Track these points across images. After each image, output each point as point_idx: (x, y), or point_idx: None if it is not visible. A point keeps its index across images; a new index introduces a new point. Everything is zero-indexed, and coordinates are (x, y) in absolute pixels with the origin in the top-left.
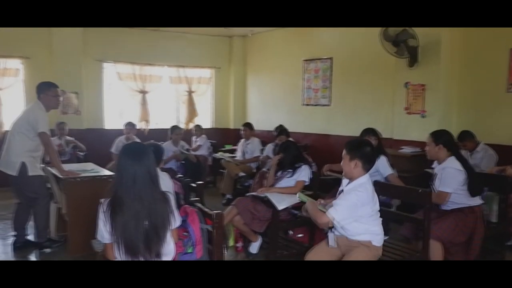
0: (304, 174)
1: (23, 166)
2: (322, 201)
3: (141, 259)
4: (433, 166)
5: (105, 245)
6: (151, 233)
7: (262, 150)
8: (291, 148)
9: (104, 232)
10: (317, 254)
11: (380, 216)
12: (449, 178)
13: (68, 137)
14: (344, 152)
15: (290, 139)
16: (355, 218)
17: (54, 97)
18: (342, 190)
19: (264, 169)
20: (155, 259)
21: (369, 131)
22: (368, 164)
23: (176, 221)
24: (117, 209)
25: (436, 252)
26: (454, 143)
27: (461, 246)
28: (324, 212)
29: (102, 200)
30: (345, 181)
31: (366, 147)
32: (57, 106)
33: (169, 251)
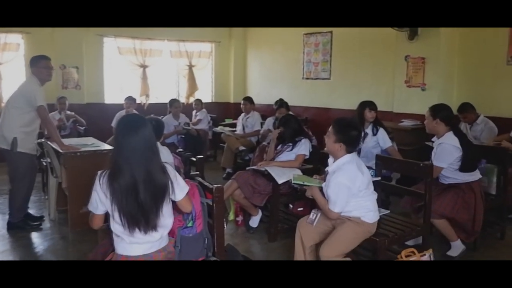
0: (304, 147)
1: (15, 141)
2: (318, 177)
3: (139, 230)
4: (432, 139)
5: (94, 215)
6: (148, 204)
7: (262, 124)
8: (291, 122)
9: (98, 203)
10: (308, 227)
11: (382, 190)
12: (444, 154)
13: (68, 112)
14: (331, 130)
15: (290, 112)
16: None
17: (45, 69)
18: (328, 172)
19: (264, 143)
20: (152, 231)
21: (367, 104)
22: (352, 147)
23: (181, 190)
24: (115, 181)
25: (443, 228)
26: (452, 117)
27: (466, 225)
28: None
29: (99, 171)
30: (330, 160)
31: (353, 131)
32: (49, 77)
33: (165, 224)
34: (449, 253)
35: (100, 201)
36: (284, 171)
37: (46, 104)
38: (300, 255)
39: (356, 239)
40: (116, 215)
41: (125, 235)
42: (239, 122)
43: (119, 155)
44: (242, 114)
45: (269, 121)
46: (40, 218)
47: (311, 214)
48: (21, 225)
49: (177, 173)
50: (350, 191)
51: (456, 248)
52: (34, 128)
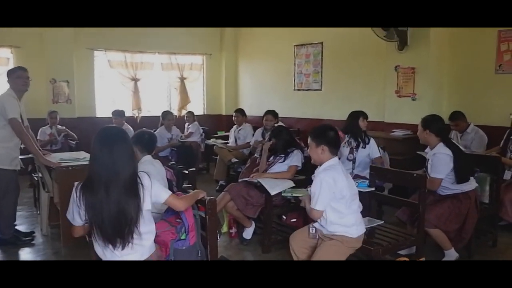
0: (296, 159)
1: None
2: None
3: (114, 245)
4: (426, 150)
5: (72, 225)
6: (120, 218)
7: (254, 136)
8: (283, 133)
9: (75, 214)
10: (298, 239)
11: (376, 200)
12: (440, 165)
13: (59, 126)
14: (309, 140)
15: (281, 123)
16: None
17: (19, 79)
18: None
19: (256, 155)
20: (131, 242)
21: (360, 114)
22: (334, 147)
23: (161, 191)
24: (87, 193)
25: (438, 237)
26: (443, 129)
27: (454, 234)
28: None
29: (76, 183)
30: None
31: (330, 131)
32: (25, 87)
33: (148, 231)
34: (443, 260)
35: (77, 212)
36: (276, 182)
37: (19, 116)
38: None
39: (341, 257)
40: (91, 226)
41: (108, 253)
42: (231, 134)
43: (92, 168)
44: (234, 126)
45: (258, 132)
46: (31, 234)
47: (310, 229)
48: (12, 241)
49: (154, 180)
50: (332, 190)
51: (450, 256)
52: (15, 143)
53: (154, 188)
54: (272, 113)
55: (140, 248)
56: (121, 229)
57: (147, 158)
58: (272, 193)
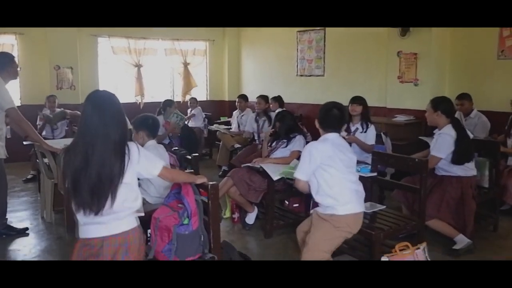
0: (298, 144)
1: None
2: None
3: (86, 210)
4: (434, 131)
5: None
6: (97, 185)
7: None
8: (287, 118)
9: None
10: (303, 226)
11: (378, 185)
12: (444, 144)
13: (58, 110)
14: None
15: (283, 109)
16: (319, 176)
17: (13, 68)
18: None
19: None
20: (108, 212)
21: (351, 99)
22: (327, 126)
23: (153, 166)
24: (68, 155)
25: (439, 227)
26: (453, 110)
27: (454, 221)
28: None
29: (63, 149)
30: None
31: (330, 111)
32: (17, 76)
33: (124, 208)
34: (454, 247)
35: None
36: (278, 167)
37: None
38: None
39: (332, 241)
40: (69, 190)
41: (80, 216)
42: (234, 120)
43: (80, 130)
44: (237, 112)
45: (251, 119)
46: (24, 230)
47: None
48: (5, 232)
49: (143, 154)
50: (314, 160)
51: (460, 242)
52: (2, 131)
53: (143, 162)
54: (263, 98)
55: (114, 221)
56: (99, 192)
57: (152, 142)
58: (275, 178)
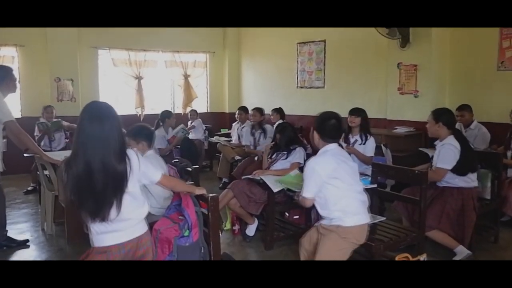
0: (299, 156)
1: None
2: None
3: (94, 219)
4: (435, 143)
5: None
6: (103, 194)
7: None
8: (287, 130)
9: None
10: (306, 238)
11: (378, 196)
12: (448, 155)
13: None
14: (313, 129)
15: (283, 121)
16: (326, 191)
17: (12, 81)
18: None
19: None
20: (118, 220)
21: (350, 111)
22: (326, 136)
23: (153, 173)
24: (69, 167)
25: (439, 238)
26: (454, 121)
27: (454, 232)
28: None
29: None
30: None
31: (328, 120)
32: (15, 89)
33: (133, 216)
34: (454, 258)
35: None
36: (278, 179)
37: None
38: None
39: (341, 252)
40: (76, 202)
41: (93, 226)
42: (234, 131)
43: (77, 141)
44: (235, 124)
45: (247, 132)
46: (24, 242)
47: (312, 214)
48: (5, 244)
49: (143, 160)
50: (319, 176)
51: (460, 254)
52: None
53: (144, 169)
54: (258, 110)
55: (128, 228)
56: (103, 201)
57: (151, 152)
58: (275, 190)
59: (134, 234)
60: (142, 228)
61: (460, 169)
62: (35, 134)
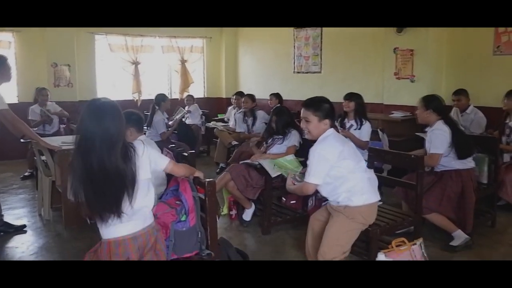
0: (294, 139)
1: None
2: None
3: (103, 216)
4: (425, 129)
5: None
6: (106, 192)
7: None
8: (284, 114)
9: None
10: (316, 217)
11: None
12: (438, 140)
13: (49, 103)
14: (310, 114)
15: (280, 105)
16: (334, 174)
17: (8, 70)
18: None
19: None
20: (133, 212)
21: (348, 95)
22: (325, 117)
23: (160, 161)
24: (72, 165)
25: (438, 221)
26: (443, 108)
27: (454, 215)
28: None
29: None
30: None
31: (326, 103)
32: (10, 78)
33: (142, 206)
34: (451, 243)
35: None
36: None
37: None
38: (308, 253)
39: (349, 233)
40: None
41: (100, 222)
42: (232, 117)
43: (78, 139)
44: (233, 108)
45: (239, 118)
46: (22, 228)
47: (308, 202)
48: (2, 229)
49: (148, 147)
50: (328, 163)
51: (458, 238)
52: None
53: (152, 154)
54: (250, 97)
55: (134, 221)
56: (116, 195)
57: (143, 137)
58: (273, 175)
59: (146, 222)
60: (151, 216)
61: (458, 154)
62: (29, 118)
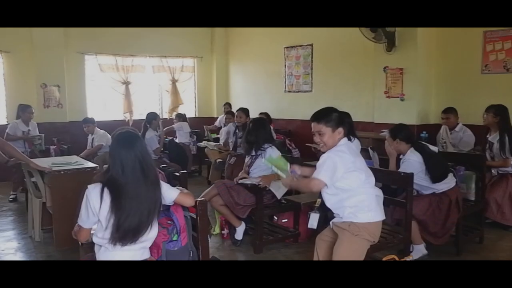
0: (278, 154)
1: None
2: (297, 168)
3: (126, 242)
4: (400, 157)
5: (82, 229)
6: (145, 219)
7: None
8: (267, 125)
9: (91, 216)
10: (321, 237)
11: None
12: (412, 168)
13: (33, 122)
14: (323, 126)
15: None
16: (343, 186)
17: None
18: None
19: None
20: (137, 243)
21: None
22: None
23: (172, 190)
24: (113, 193)
25: (412, 230)
26: (411, 135)
27: (434, 227)
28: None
29: (90, 185)
30: None
31: (334, 112)
32: None
33: (151, 236)
34: (406, 258)
35: (93, 214)
36: (279, 184)
37: None
38: None
39: (359, 250)
40: (110, 226)
41: (109, 245)
42: (223, 135)
43: (115, 169)
44: (224, 126)
45: (231, 130)
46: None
47: (310, 217)
48: None
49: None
50: (337, 170)
51: (418, 252)
52: None
53: (164, 188)
54: (243, 111)
55: (134, 252)
56: (145, 225)
57: None
58: (279, 196)
59: (144, 255)
60: (149, 253)
61: (433, 177)
62: (7, 131)
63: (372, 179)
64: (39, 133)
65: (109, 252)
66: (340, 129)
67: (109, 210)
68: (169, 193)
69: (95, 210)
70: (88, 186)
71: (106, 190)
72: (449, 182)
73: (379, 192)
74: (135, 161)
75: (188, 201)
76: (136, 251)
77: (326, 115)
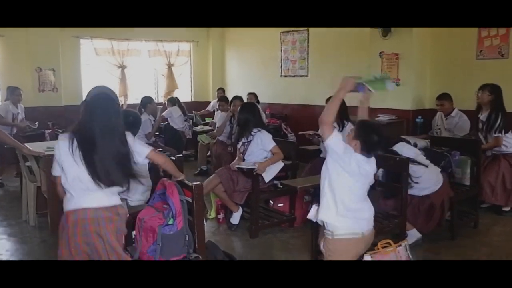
0: (269, 139)
1: None
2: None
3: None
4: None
5: (55, 178)
6: (111, 169)
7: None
8: (257, 108)
9: (58, 165)
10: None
11: None
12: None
13: (19, 105)
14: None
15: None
16: (335, 185)
17: None
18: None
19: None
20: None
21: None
22: (367, 150)
23: (142, 148)
24: (84, 145)
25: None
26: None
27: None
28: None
29: (60, 135)
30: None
31: (374, 135)
32: None
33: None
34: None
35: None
36: (270, 167)
37: None
38: None
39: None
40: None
41: (78, 190)
42: (217, 120)
43: (86, 124)
44: (219, 112)
45: (227, 118)
46: None
47: (312, 207)
48: None
49: (135, 138)
50: (342, 150)
51: (412, 236)
52: None
53: (136, 144)
54: (238, 99)
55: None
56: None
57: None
58: (267, 180)
59: (112, 202)
60: (118, 199)
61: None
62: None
63: (364, 187)
64: (34, 120)
65: (74, 199)
66: (357, 143)
67: (79, 160)
68: (141, 149)
69: (62, 157)
70: (59, 136)
71: (74, 141)
72: (430, 187)
73: (372, 209)
74: (106, 118)
75: (161, 160)
76: (101, 197)
77: (367, 124)
